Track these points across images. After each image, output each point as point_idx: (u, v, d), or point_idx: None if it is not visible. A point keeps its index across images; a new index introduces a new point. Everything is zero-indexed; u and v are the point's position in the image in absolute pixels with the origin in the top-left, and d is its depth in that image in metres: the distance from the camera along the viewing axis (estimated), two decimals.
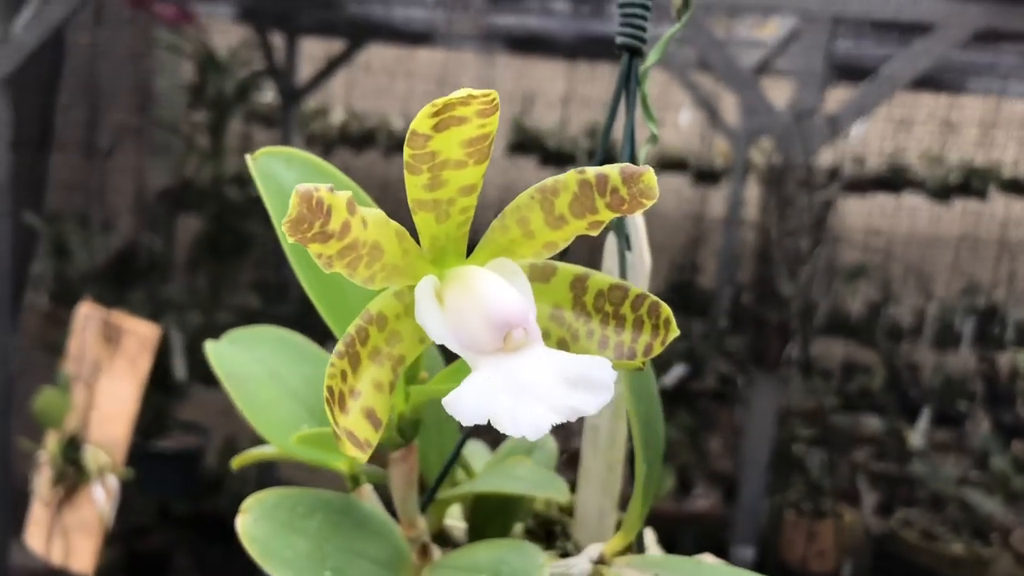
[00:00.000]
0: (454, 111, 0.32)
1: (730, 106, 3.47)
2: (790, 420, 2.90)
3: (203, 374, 2.94)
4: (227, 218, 3.40)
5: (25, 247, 2.79)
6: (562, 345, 0.37)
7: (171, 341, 2.71)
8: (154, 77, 3.66)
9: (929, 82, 3.36)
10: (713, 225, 4.09)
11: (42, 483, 1.76)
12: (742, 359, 3.04)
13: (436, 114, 0.32)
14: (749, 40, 3.20)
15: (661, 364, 3.12)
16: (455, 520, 0.51)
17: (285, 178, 0.42)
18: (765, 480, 2.20)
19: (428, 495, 0.46)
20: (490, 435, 0.58)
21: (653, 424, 0.39)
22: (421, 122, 0.32)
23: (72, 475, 1.71)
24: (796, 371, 2.91)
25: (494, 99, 0.32)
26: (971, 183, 3.90)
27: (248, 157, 0.42)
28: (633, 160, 0.44)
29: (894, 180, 4.02)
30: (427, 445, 0.47)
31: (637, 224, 0.43)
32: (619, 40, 0.43)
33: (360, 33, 3.39)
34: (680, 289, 3.97)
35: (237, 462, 0.50)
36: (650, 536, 0.51)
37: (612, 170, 0.33)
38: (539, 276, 0.36)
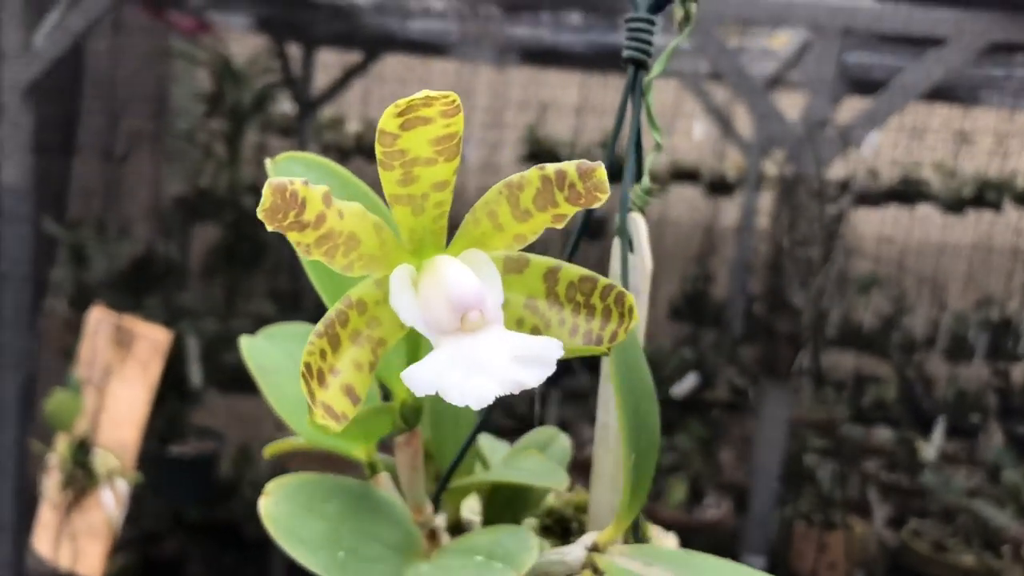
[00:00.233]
0: (418, 112, 0.34)
1: (743, 117, 3.49)
2: (801, 430, 2.91)
3: (218, 381, 2.97)
4: (243, 226, 3.44)
5: (45, 253, 2.83)
6: (535, 332, 0.39)
7: (187, 347, 2.73)
8: (171, 86, 3.71)
9: (942, 94, 3.37)
10: (726, 236, 4.10)
11: (51, 486, 1.78)
12: (754, 369, 3.05)
13: (400, 114, 0.34)
14: (762, 51, 3.22)
15: (673, 374, 3.13)
16: (474, 515, 0.53)
17: None
18: (776, 490, 2.21)
19: (441, 483, 0.48)
20: (510, 435, 0.60)
21: (644, 417, 0.41)
22: (387, 121, 0.34)
23: (81, 479, 1.72)
24: (808, 381, 2.92)
25: (454, 100, 0.34)
26: (985, 195, 3.89)
27: (268, 161, 0.44)
28: (639, 168, 0.46)
29: (908, 192, 4.02)
30: (444, 439, 0.50)
31: (639, 227, 0.45)
32: (625, 53, 0.45)
33: (376, 44, 3.42)
34: (692, 299, 3.98)
35: (269, 451, 0.53)
36: (671, 540, 0.53)
37: (569, 166, 0.35)
38: (513, 267, 0.39)
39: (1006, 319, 3.77)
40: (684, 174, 4.05)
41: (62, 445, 1.78)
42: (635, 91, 0.44)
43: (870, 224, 4.11)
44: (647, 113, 0.45)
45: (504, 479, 0.48)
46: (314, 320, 0.38)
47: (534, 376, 0.33)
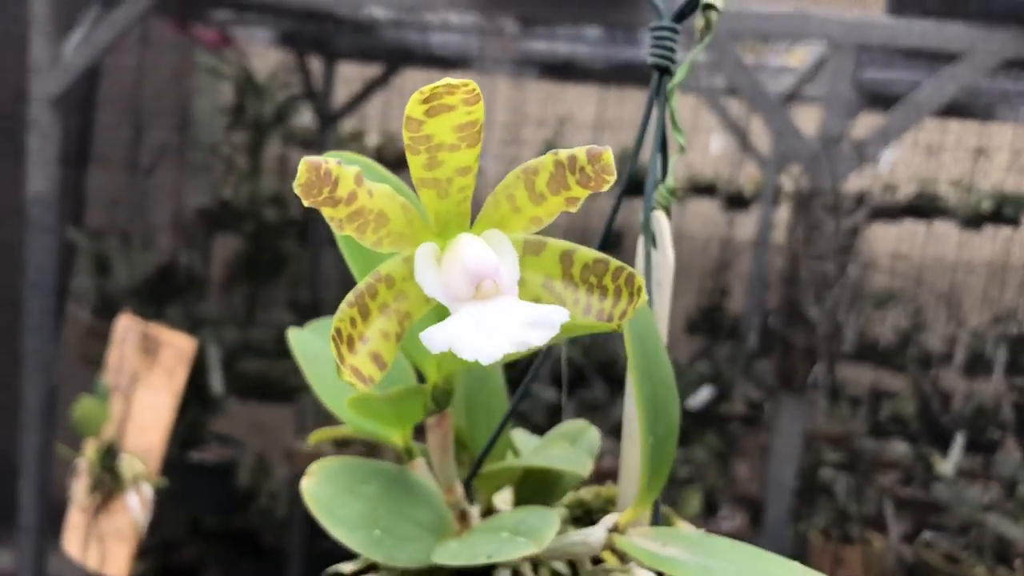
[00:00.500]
0: (441, 99, 0.37)
1: (760, 132, 3.51)
2: (817, 444, 2.91)
3: (239, 389, 3.00)
4: (264, 237, 3.48)
5: (65, 262, 2.88)
6: None
7: (208, 356, 2.77)
8: (194, 99, 3.76)
9: (959, 109, 3.38)
10: (742, 250, 4.11)
11: (80, 490, 1.82)
12: (769, 383, 3.05)
13: (425, 101, 0.37)
14: (779, 67, 3.24)
15: (689, 387, 3.14)
16: (506, 506, 0.56)
17: None
18: (791, 504, 2.21)
19: (473, 468, 0.50)
20: (539, 427, 0.62)
21: (663, 404, 0.43)
22: (413, 108, 0.37)
23: (108, 483, 1.76)
24: (823, 395, 2.92)
25: (475, 89, 0.38)
26: (1003, 210, 3.89)
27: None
28: (664, 169, 0.49)
29: (925, 207, 4.02)
30: (478, 428, 0.53)
31: (662, 224, 0.48)
32: (650, 60, 0.48)
33: (396, 58, 3.46)
34: (709, 313, 3.99)
35: (314, 438, 0.56)
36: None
37: (580, 151, 0.38)
38: (532, 249, 0.42)
39: None
40: (701, 188, 4.06)
41: (90, 450, 1.82)
42: (660, 96, 0.47)
43: (887, 239, 4.11)
44: (671, 117, 0.47)
45: (531, 464, 0.51)
46: None
47: (539, 337, 0.36)
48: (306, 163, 0.37)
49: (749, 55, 3.05)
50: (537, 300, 0.41)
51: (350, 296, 0.40)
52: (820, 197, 2.08)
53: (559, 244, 0.42)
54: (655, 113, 0.48)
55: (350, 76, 3.71)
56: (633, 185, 0.58)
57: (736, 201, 4.04)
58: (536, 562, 0.46)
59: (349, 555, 0.44)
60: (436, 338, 0.37)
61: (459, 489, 0.47)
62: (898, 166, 3.97)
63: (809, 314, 2.18)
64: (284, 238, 3.53)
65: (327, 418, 0.57)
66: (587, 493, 0.58)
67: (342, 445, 2.28)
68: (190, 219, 3.49)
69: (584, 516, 0.56)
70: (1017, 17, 1.90)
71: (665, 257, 0.47)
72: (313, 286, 3.68)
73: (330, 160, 0.38)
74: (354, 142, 3.98)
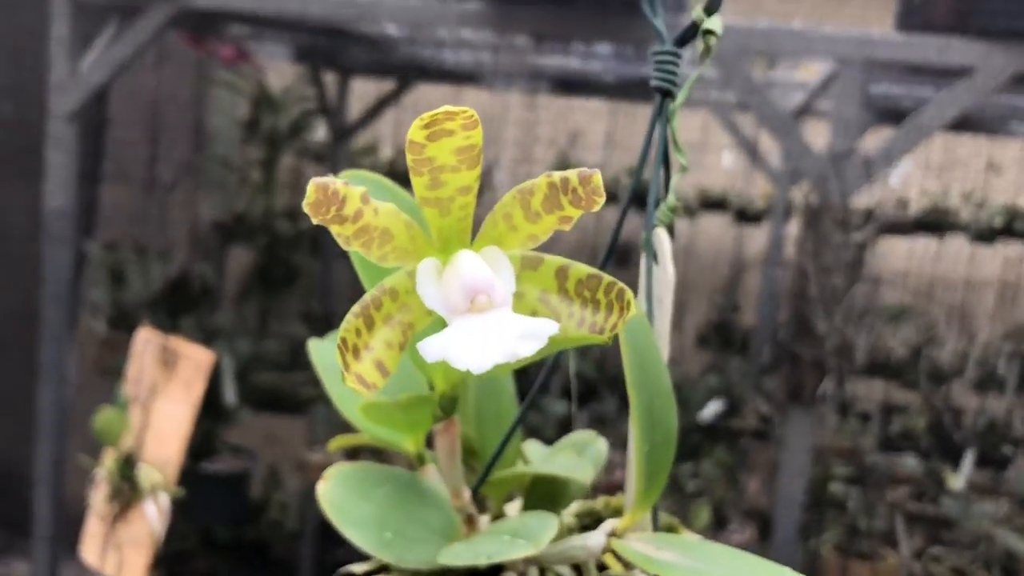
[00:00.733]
0: (442, 124, 0.39)
1: (772, 147, 3.53)
2: (826, 458, 2.91)
3: (252, 400, 3.03)
4: (277, 250, 3.51)
5: (76, 274, 2.91)
6: None
7: (221, 367, 2.79)
8: (211, 114, 3.80)
9: (971, 124, 3.38)
10: (754, 264, 4.12)
11: (98, 498, 1.84)
12: (779, 397, 3.06)
13: (426, 126, 0.39)
14: (790, 82, 3.26)
15: (700, 401, 3.15)
16: (516, 514, 0.57)
17: None
18: (800, 518, 2.22)
19: (482, 475, 0.52)
20: (551, 440, 0.64)
21: (660, 412, 0.45)
22: (415, 133, 0.40)
23: (127, 492, 1.79)
24: (833, 409, 2.93)
25: (472, 115, 0.40)
26: (1014, 225, 3.89)
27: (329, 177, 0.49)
28: (665, 189, 0.51)
29: (937, 222, 4.02)
30: (487, 437, 0.55)
31: (663, 241, 0.49)
32: (653, 83, 0.50)
33: (409, 73, 3.49)
34: (720, 327, 4.00)
35: (333, 445, 0.58)
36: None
37: (572, 174, 0.41)
38: (529, 265, 0.44)
39: None
40: (712, 203, 4.08)
41: (109, 460, 1.85)
42: (662, 117, 0.49)
43: (899, 254, 4.12)
44: (672, 137, 0.49)
45: (537, 471, 0.53)
46: None
47: (528, 348, 0.39)
48: (315, 183, 0.40)
49: (759, 70, 3.07)
50: (534, 313, 0.44)
51: (355, 307, 0.43)
52: (829, 212, 2.09)
53: (555, 260, 0.44)
54: (657, 133, 0.49)
55: (364, 91, 3.75)
56: (639, 202, 0.59)
57: (748, 216, 4.05)
58: (543, 567, 0.48)
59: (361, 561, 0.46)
60: (431, 348, 0.39)
61: (466, 494, 0.49)
62: (911, 179, 3.98)
63: (818, 329, 2.19)
64: (297, 251, 3.56)
65: (339, 429, 0.59)
66: (597, 503, 0.59)
67: (353, 456, 2.29)
68: (205, 232, 3.52)
69: (593, 524, 0.57)
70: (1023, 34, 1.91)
71: (666, 273, 0.49)
72: (325, 298, 3.71)
73: (337, 181, 0.40)
74: (367, 156, 4.02)
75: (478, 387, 0.58)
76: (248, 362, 3.11)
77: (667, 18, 1.67)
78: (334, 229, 0.41)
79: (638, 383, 0.45)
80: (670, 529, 0.57)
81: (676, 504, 2.72)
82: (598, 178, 0.41)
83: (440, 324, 0.41)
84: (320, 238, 3.60)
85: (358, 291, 0.45)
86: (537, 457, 0.60)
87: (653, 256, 0.50)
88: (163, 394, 1.88)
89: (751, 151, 3.58)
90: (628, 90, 3.42)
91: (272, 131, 3.49)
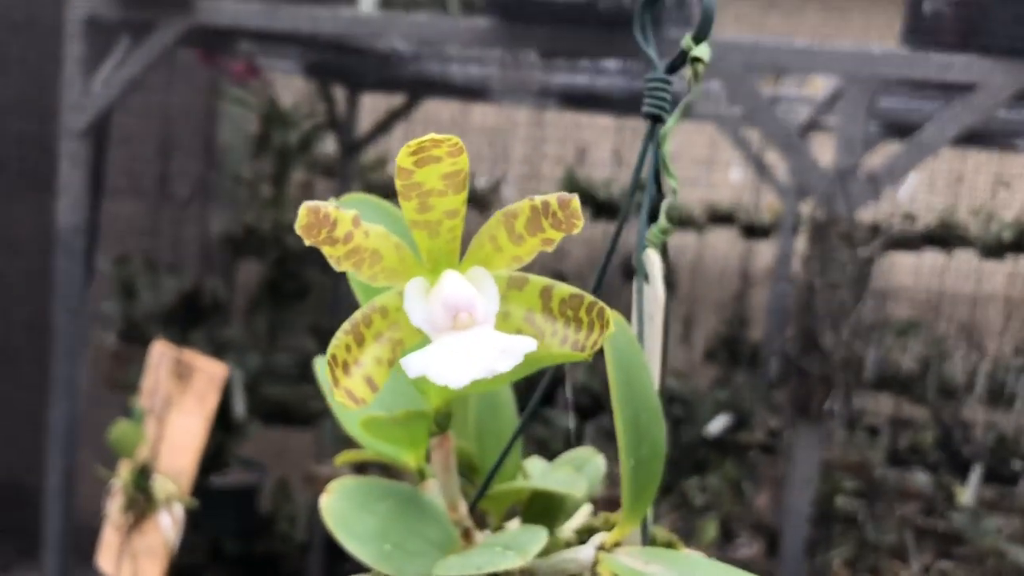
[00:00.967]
0: (428, 152, 0.41)
1: (779, 162, 3.54)
2: (834, 473, 2.91)
3: (261, 413, 3.04)
4: (287, 264, 3.53)
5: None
6: None
7: (231, 381, 2.81)
8: (221, 129, 3.83)
9: (979, 139, 3.39)
10: (762, 279, 4.13)
11: (114, 509, 1.87)
12: (786, 411, 3.06)
13: (413, 153, 0.41)
14: (798, 97, 3.27)
15: (708, 415, 3.15)
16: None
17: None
18: (808, 532, 2.22)
19: (480, 489, 0.53)
20: (557, 455, 0.65)
21: (646, 426, 0.47)
22: (403, 159, 0.41)
23: (142, 502, 1.81)
24: (841, 424, 2.93)
25: (457, 143, 0.41)
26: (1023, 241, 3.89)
27: (332, 200, 0.51)
28: (655, 210, 0.52)
29: (945, 237, 4.02)
30: (488, 453, 0.56)
31: (653, 261, 0.51)
32: (645, 109, 0.51)
33: (418, 88, 3.52)
34: (728, 341, 4.00)
35: (340, 460, 0.59)
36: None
37: (552, 198, 0.43)
38: (515, 285, 0.46)
39: None
40: (720, 218, 4.09)
41: (125, 471, 1.87)
42: (653, 142, 0.50)
43: (906, 268, 4.12)
44: (662, 161, 0.50)
45: (534, 487, 0.54)
46: None
47: (505, 364, 0.40)
48: (306, 207, 0.42)
49: (766, 86, 3.08)
50: (519, 331, 0.45)
51: (346, 325, 0.44)
52: (836, 227, 2.10)
53: (539, 280, 0.46)
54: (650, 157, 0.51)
55: (373, 106, 3.78)
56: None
57: (755, 230, 4.06)
58: None
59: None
60: (413, 364, 0.41)
61: (463, 508, 0.50)
62: (919, 194, 3.98)
63: (825, 343, 2.20)
64: (307, 265, 3.59)
65: (347, 443, 0.60)
66: (597, 520, 0.60)
67: (361, 470, 2.30)
68: (215, 246, 3.55)
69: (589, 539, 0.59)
70: None
71: (656, 293, 0.50)
72: (334, 313, 3.72)
73: (328, 204, 0.42)
74: (376, 170, 4.04)
75: (479, 404, 0.59)
76: (258, 376, 3.13)
77: (674, 32, 1.68)
78: (326, 250, 0.43)
79: (623, 398, 0.46)
80: (669, 545, 0.58)
81: (683, 518, 2.72)
82: (576, 202, 0.42)
83: (428, 342, 0.42)
84: None
85: None
86: (538, 473, 0.62)
87: (644, 276, 0.51)
88: (177, 406, 1.90)
89: (758, 166, 3.59)
90: (635, 107, 3.43)
91: (282, 146, 3.52)
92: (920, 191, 4.01)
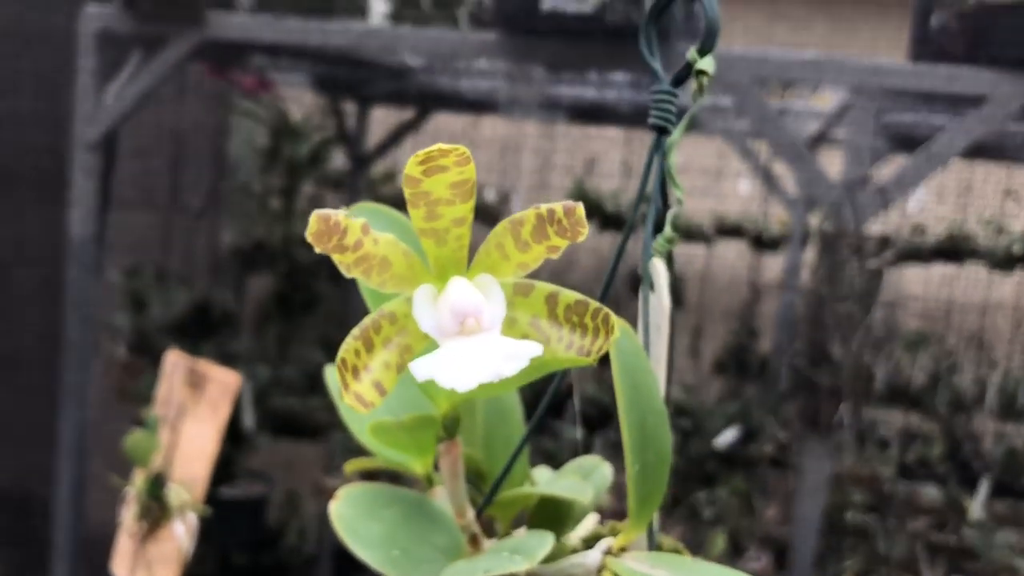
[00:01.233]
0: (436, 161, 0.42)
1: (788, 174, 3.54)
2: (844, 486, 2.90)
3: (270, 425, 3.05)
4: (296, 277, 3.55)
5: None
6: None
7: (241, 392, 2.82)
8: (232, 142, 3.86)
9: (988, 151, 3.38)
10: (771, 291, 4.12)
11: (128, 517, 1.88)
12: (795, 424, 3.05)
13: (421, 163, 0.42)
14: (806, 109, 3.28)
15: (717, 428, 3.14)
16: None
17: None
18: (818, 546, 2.21)
19: (488, 495, 0.54)
20: (555, 461, 0.66)
21: (652, 432, 0.47)
22: (411, 169, 0.42)
23: (156, 511, 1.82)
24: (850, 437, 2.92)
25: (464, 152, 0.42)
26: None
27: (343, 209, 0.52)
28: (660, 220, 0.53)
29: (955, 249, 4.01)
30: (496, 460, 0.57)
31: (659, 271, 0.52)
32: (651, 121, 0.52)
33: (428, 102, 3.53)
34: (737, 354, 4.00)
35: (350, 467, 0.60)
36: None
37: (557, 206, 0.43)
38: (521, 292, 0.47)
39: None
40: (729, 229, 4.09)
41: (139, 479, 1.88)
42: (659, 153, 0.51)
43: (915, 280, 4.11)
44: (668, 172, 0.51)
45: (540, 493, 0.55)
46: None
47: (510, 368, 0.41)
48: (317, 215, 0.43)
49: (774, 98, 3.09)
50: (525, 337, 0.46)
51: (355, 330, 0.45)
52: (844, 239, 2.10)
53: (545, 287, 0.47)
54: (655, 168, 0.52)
55: (383, 119, 3.80)
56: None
57: (764, 242, 4.06)
58: None
59: None
60: (420, 368, 0.41)
61: (470, 514, 0.51)
62: (928, 207, 3.98)
63: (834, 355, 2.19)
64: (316, 278, 3.60)
65: (356, 455, 0.61)
66: (604, 528, 0.61)
67: (371, 479, 2.31)
68: (225, 259, 3.57)
69: None
70: None
71: (661, 302, 0.51)
72: (343, 325, 3.72)
73: (339, 213, 0.43)
74: (386, 183, 4.06)
75: (487, 411, 0.60)
76: (266, 388, 3.14)
77: (682, 45, 1.69)
78: (336, 257, 0.44)
79: (629, 403, 0.47)
80: (676, 552, 0.59)
81: (692, 531, 2.72)
82: (581, 210, 0.43)
83: (436, 347, 0.43)
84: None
85: None
86: (545, 481, 0.62)
87: (650, 285, 0.52)
88: (191, 415, 1.91)
89: (767, 178, 3.59)
90: (644, 119, 3.43)
91: (292, 159, 3.54)
92: (929, 203, 4.00)
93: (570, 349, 0.45)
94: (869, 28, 4.26)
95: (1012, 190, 4.01)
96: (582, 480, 0.60)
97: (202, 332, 3.20)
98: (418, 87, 3.25)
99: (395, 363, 0.45)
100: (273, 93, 3.51)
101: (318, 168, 3.67)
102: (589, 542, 0.59)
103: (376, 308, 0.46)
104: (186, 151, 3.53)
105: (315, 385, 3.25)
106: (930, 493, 3.29)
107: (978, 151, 3.12)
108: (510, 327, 0.45)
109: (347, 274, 0.45)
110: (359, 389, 0.44)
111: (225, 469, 2.88)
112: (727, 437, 2.96)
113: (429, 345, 0.44)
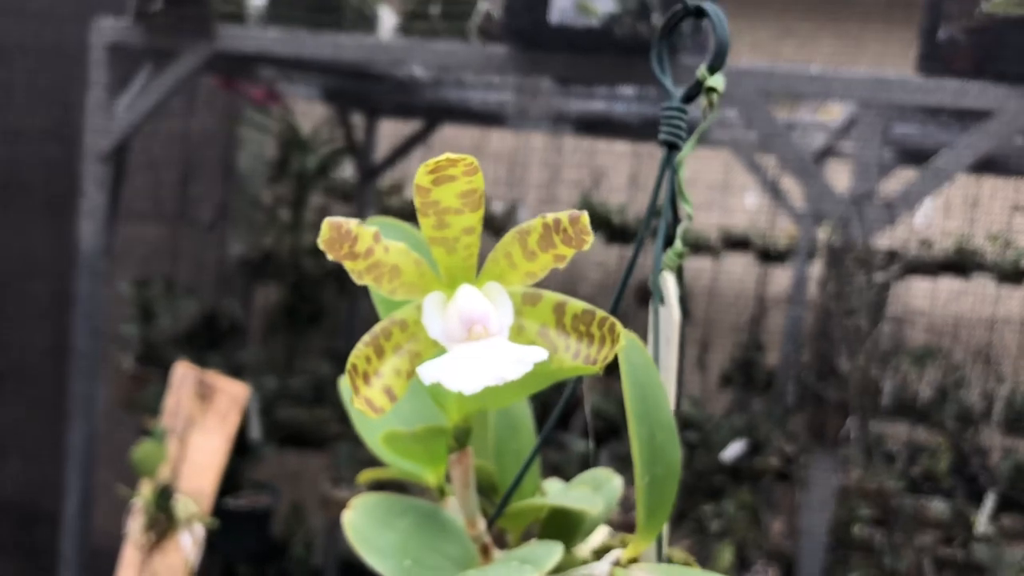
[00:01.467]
0: (445, 171, 0.43)
1: (795, 187, 3.54)
2: (850, 500, 2.89)
3: (276, 436, 3.05)
4: (303, 288, 3.56)
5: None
6: None
7: (247, 403, 2.82)
8: (240, 153, 3.87)
9: (997, 165, 3.39)
10: (778, 304, 4.12)
11: (135, 528, 1.88)
12: (802, 437, 3.04)
13: (431, 172, 0.43)
14: (813, 124, 3.28)
15: (724, 441, 3.14)
16: None
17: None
18: (824, 559, 2.21)
19: (499, 506, 0.54)
20: (562, 473, 0.66)
21: (661, 445, 0.48)
22: (421, 178, 0.43)
23: (163, 522, 1.82)
24: (856, 450, 2.91)
25: (473, 163, 0.43)
26: None
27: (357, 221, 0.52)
28: (671, 235, 0.53)
29: (962, 263, 4.01)
30: (507, 471, 0.58)
31: (669, 284, 0.52)
32: (661, 137, 0.53)
33: (435, 114, 3.55)
34: (744, 367, 3.99)
35: (363, 478, 0.60)
36: None
37: (563, 215, 0.44)
38: (529, 301, 0.48)
39: None
40: (736, 243, 4.09)
41: (146, 490, 1.88)
42: (669, 168, 0.52)
43: (921, 294, 4.11)
44: (678, 187, 0.52)
45: (551, 504, 0.55)
46: None
47: (515, 372, 0.42)
48: (329, 223, 0.43)
49: (782, 112, 3.09)
50: (532, 344, 0.46)
51: (366, 337, 0.46)
52: (851, 253, 2.11)
53: (553, 296, 0.48)
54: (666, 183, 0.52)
55: (391, 131, 3.82)
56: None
57: (771, 255, 4.06)
58: None
59: None
60: (428, 372, 0.42)
61: (481, 524, 0.51)
62: (936, 221, 3.98)
63: (841, 369, 2.19)
64: (323, 289, 3.61)
65: (362, 466, 0.61)
66: (615, 540, 0.61)
67: (375, 490, 2.31)
68: (233, 270, 3.58)
69: None
70: None
71: (671, 313, 0.52)
72: (350, 336, 3.74)
73: (351, 221, 0.44)
74: (394, 195, 4.07)
75: (498, 423, 0.61)
76: (273, 399, 3.15)
77: (690, 60, 1.70)
78: (347, 264, 0.45)
79: (639, 415, 0.47)
80: (686, 565, 0.59)
81: (699, 544, 2.71)
82: (585, 219, 0.44)
83: (445, 353, 0.43)
84: (346, 277, 3.62)
85: None
86: (556, 493, 0.63)
87: (660, 298, 0.52)
88: (199, 426, 1.92)
89: (774, 192, 3.60)
90: (652, 132, 3.45)
91: (301, 171, 3.55)
92: (936, 217, 4.00)
93: (577, 358, 0.46)
94: (876, 43, 4.28)
95: (1019, 205, 4.01)
96: (593, 492, 0.60)
97: (210, 343, 3.21)
98: (426, 100, 3.26)
99: (405, 369, 0.46)
100: (282, 105, 3.53)
101: (326, 180, 3.69)
102: (599, 554, 0.59)
103: (387, 315, 0.47)
104: (195, 163, 3.55)
105: (321, 396, 3.26)
106: (937, 507, 3.28)
107: (985, 165, 3.12)
108: (518, 335, 0.46)
109: (358, 281, 0.45)
110: (369, 394, 0.45)
111: (231, 480, 2.89)
112: (734, 450, 2.95)
113: (438, 352, 0.44)
